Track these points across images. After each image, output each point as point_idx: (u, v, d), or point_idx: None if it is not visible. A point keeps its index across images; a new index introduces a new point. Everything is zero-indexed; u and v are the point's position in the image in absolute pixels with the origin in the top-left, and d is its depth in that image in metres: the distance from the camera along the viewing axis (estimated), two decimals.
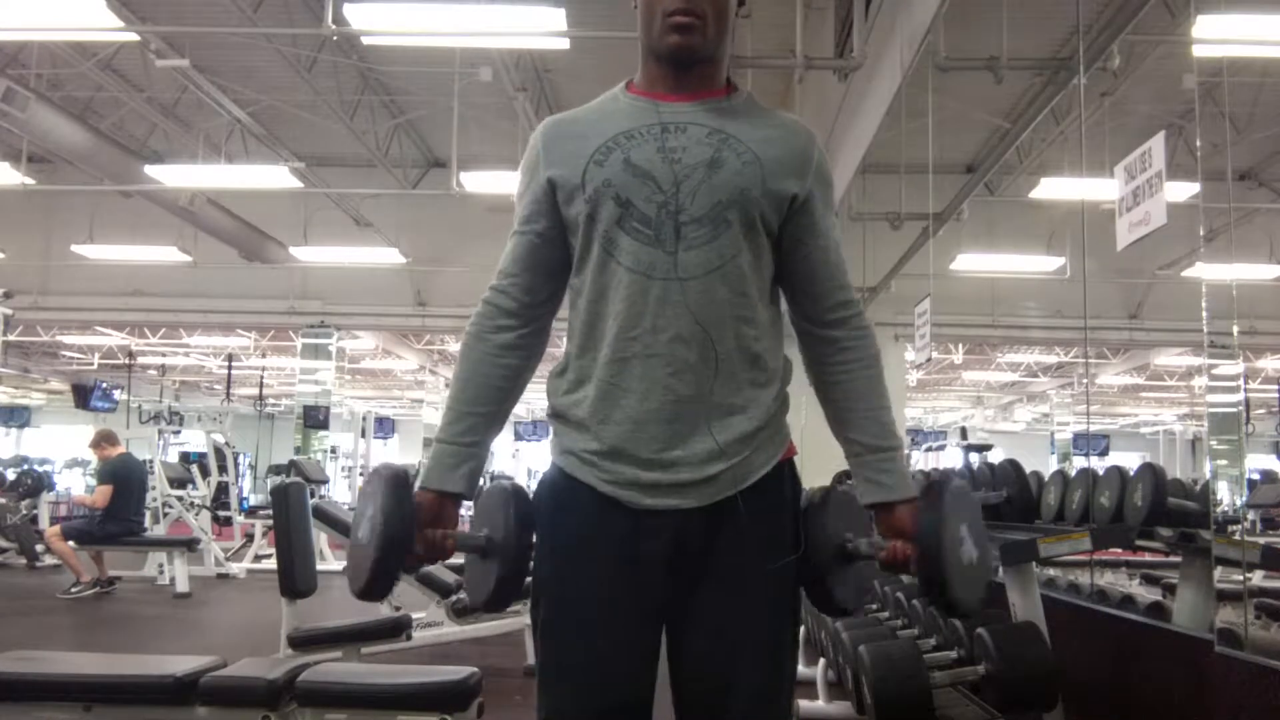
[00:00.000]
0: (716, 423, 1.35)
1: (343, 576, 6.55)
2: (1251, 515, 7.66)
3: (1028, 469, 4.17)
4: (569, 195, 1.38)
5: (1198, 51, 6.64)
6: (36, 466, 11.78)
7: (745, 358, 1.37)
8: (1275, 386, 16.00)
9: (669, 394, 1.34)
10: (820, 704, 3.70)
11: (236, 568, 8.73)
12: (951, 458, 20.88)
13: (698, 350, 1.34)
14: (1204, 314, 2.65)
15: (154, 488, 8.84)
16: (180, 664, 2.68)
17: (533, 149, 1.44)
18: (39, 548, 8.73)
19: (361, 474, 16.26)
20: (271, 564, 4.35)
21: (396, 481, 1.39)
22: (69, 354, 19.58)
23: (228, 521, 10.59)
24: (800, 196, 1.39)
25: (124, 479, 7.47)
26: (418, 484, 1.45)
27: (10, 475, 10.71)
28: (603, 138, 1.37)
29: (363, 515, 1.43)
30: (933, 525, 1.38)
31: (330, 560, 8.94)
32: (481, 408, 1.44)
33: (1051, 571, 4.38)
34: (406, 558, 1.39)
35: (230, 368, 16.19)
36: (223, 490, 10.62)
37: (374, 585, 1.41)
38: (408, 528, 1.38)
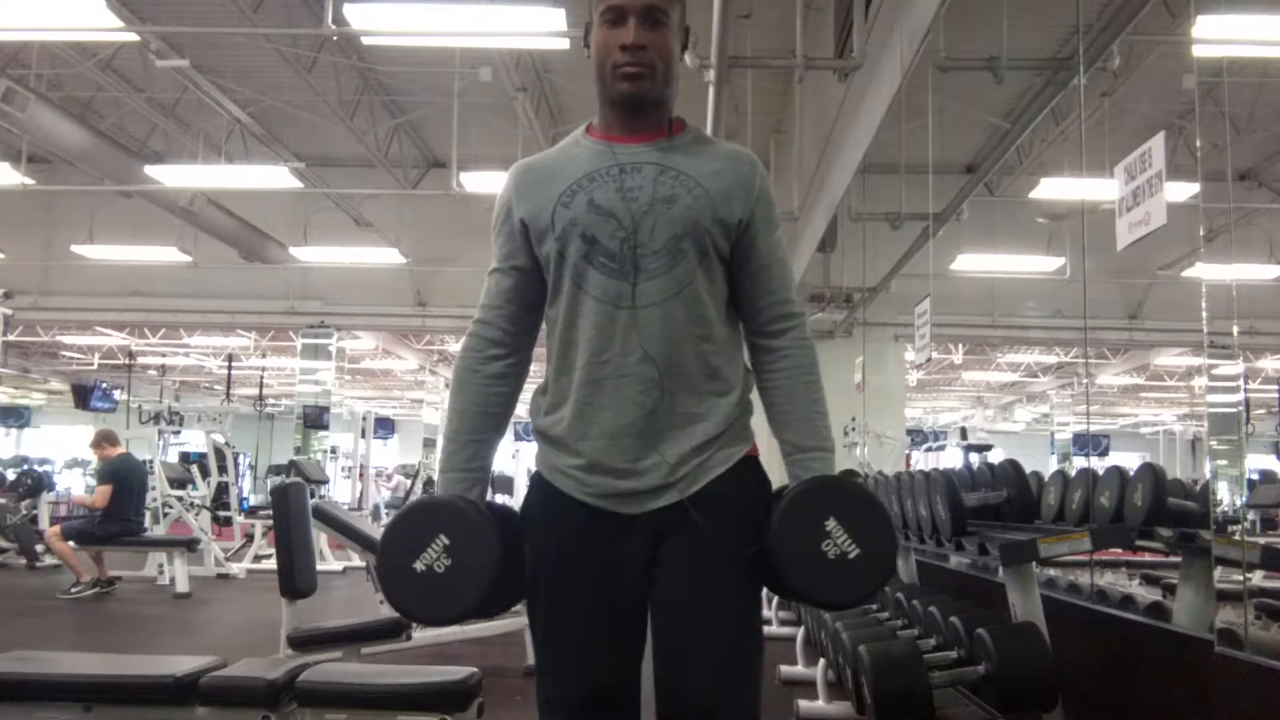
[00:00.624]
0: (683, 431, 1.50)
1: (343, 577, 6.52)
2: (1251, 515, 7.67)
3: (1028, 469, 4.17)
4: (540, 235, 1.52)
5: (1198, 52, 6.63)
6: (36, 467, 11.78)
7: (705, 372, 1.51)
8: (1275, 386, 16.01)
9: (640, 409, 1.48)
10: (820, 704, 3.70)
11: (236, 568, 8.73)
12: (951, 458, 20.89)
13: (662, 368, 1.48)
14: (1204, 314, 2.65)
15: (154, 488, 8.84)
16: (180, 664, 2.67)
17: (506, 192, 1.58)
18: (39, 548, 8.73)
19: (361, 474, 16.22)
20: (271, 564, 4.35)
21: (499, 519, 1.54)
22: (69, 354, 19.59)
23: (228, 522, 10.59)
24: (744, 220, 1.54)
25: (124, 479, 7.47)
26: None
27: (10, 475, 10.71)
28: (567, 181, 1.51)
29: (429, 540, 1.47)
30: (778, 518, 1.48)
31: (330, 560, 8.95)
32: (481, 434, 1.59)
33: (1051, 571, 4.38)
34: None
35: (230, 368, 16.19)
36: (223, 490, 10.62)
37: (476, 611, 1.53)
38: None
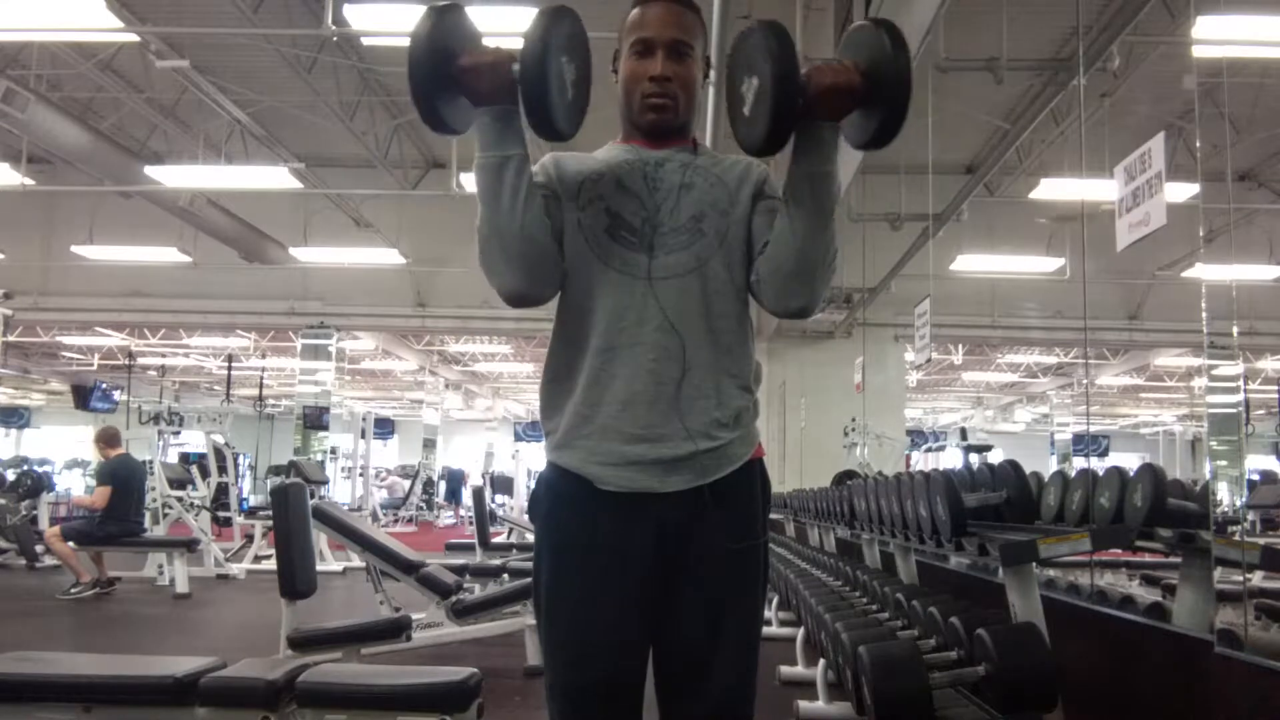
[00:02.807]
0: (695, 404, 1.52)
1: (343, 577, 6.54)
2: (1251, 516, 7.67)
3: (1027, 470, 4.17)
4: (568, 198, 1.58)
5: (1197, 52, 6.64)
6: (36, 467, 11.77)
7: (718, 349, 1.55)
8: (1275, 387, 16.00)
9: (652, 378, 1.51)
10: (820, 704, 3.70)
11: (236, 568, 8.73)
12: (951, 458, 20.89)
13: (677, 340, 1.52)
14: (1204, 315, 2.65)
15: (154, 488, 8.84)
16: (180, 665, 2.67)
17: (541, 164, 1.63)
18: (39, 548, 8.73)
19: (360, 474, 16.25)
20: (271, 565, 4.35)
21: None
22: (69, 355, 19.58)
23: (227, 522, 10.59)
24: (756, 195, 1.62)
25: (123, 480, 7.47)
26: None
27: (10, 476, 10.71)
28: (598, 165, 1.61)
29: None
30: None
31: (330, 561, 8.94)
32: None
33: (1051, 572, 4.38)
34: (456, 63, 1.46)
35: (230, 368, 16.19)
36: (222, 491, 10.61)
37: (424, 87, 1.44)
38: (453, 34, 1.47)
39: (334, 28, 5.93)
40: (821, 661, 3.85)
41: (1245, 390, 12.25)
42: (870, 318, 9.83)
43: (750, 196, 1.60)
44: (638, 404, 1.50)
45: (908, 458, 14.41)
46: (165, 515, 9.15)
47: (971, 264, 10.22)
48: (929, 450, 21.41)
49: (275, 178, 9.69)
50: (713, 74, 1.76)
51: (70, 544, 7.26)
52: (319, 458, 13.33)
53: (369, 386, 25.02)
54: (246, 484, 16.71)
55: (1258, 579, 4.04)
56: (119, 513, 7.38)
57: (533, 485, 1.66)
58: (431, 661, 3.88)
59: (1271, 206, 10.79)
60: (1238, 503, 5.71)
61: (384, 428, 25.38)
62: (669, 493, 1.51)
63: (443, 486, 20.67)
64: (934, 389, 23.00)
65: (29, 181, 9.75)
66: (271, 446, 20.42)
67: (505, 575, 5.68)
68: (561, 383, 1.57)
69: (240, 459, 14.96)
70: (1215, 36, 4.87)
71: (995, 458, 7.27)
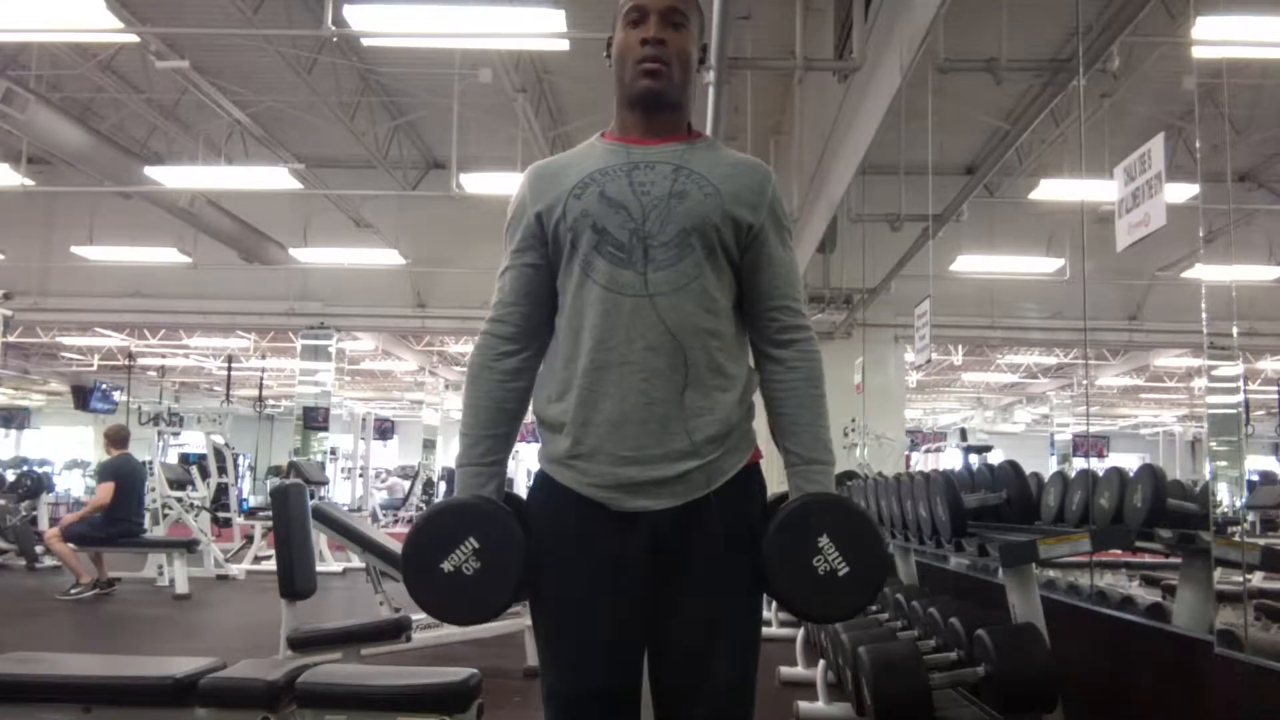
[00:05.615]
0: (687, 424, 1.50)
1: (342, 578, 6.53)
2: (1251, 516, 7.67)
3: (1027, 470, 4.17)
4: (554, 226, 1.55)
5: (1197, 53, 6.64)
6: (36, 468, 11.78)
7: (711, 366, 1.52)
8: (1275, 387, 16.00)
9: (643, 397, 1.48)
10: (820, 705, 3.69)
11: (236, 569, 8.73)
12: (951, 459, 20.89)
13: (667, 359, 1.49)
14: (1203, 315, 2.65)
15: (153, 489, 8.84)
16: (180, 665, 2.67)
17: (521, 190, 1.61)
18: (39, 549, 8.73)
19: (360, 475, 16.24)
20: (271, 565, 4.35)
21: (517, 514, 1.56)
22: (69, 355, 19.58)
23: (227, 523, 10.59)
24: (755, 226, 1.56)
25: (125, 478, 7.47)
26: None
27: (10, 476, 10.71)
28: (580, 175, 1.56)
29: (458, 542, 1.49)
30: (772, 531, 1.51)
31: (330, 561, 8.94)
32: (497, 430, 1.60)
33: (1051, 573, 4.38)
34: None
35: (230, 369, 16.19)
36: (222, 491, 10.61)
37: (503, 610, 1.55)
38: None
39: (334, 28, 5.92)
40: (821, 662, 3.85)
41: (1245, 391, 12.25)
42: (870, 318, 9.82)
43: (750, 224, 1.55)
44: (629, 425, 1.48)
45: (907, 458, 14.41)
46: (165, 516, 9.15)
47: (971, 264, 10.21)
48: (928, 451, 21.38)
49: (275, 178, 9.69)
50: (711, 61, 1.75)
51: (70, 544, 7.26)
52: (319, 458, 13.33)
53: (369, 387, 25.02)
54: (246, 484, 16.69)
55: (1258, 579, 4.04)
56: (119, 513, 7.38)
57: (529, 486, 1.65)
58: (431, 662, 3.87)
59: (1271, 207, 10.79)
60: (1237, 503, 5.72)
61: (384, 429, 25.36)
62: (662, 509, 1.49)
63: (443, 487, 20.66)
64: (934, 390, 23.01)
65: (29, 182, 9.75)
66: (271, 447, 20.41)
67: None
68: (554, 401, 1.55)
69: (240, 459, 14.95)
70: (1215, 37, 4.87)
71: (995, 458, 7.27)
